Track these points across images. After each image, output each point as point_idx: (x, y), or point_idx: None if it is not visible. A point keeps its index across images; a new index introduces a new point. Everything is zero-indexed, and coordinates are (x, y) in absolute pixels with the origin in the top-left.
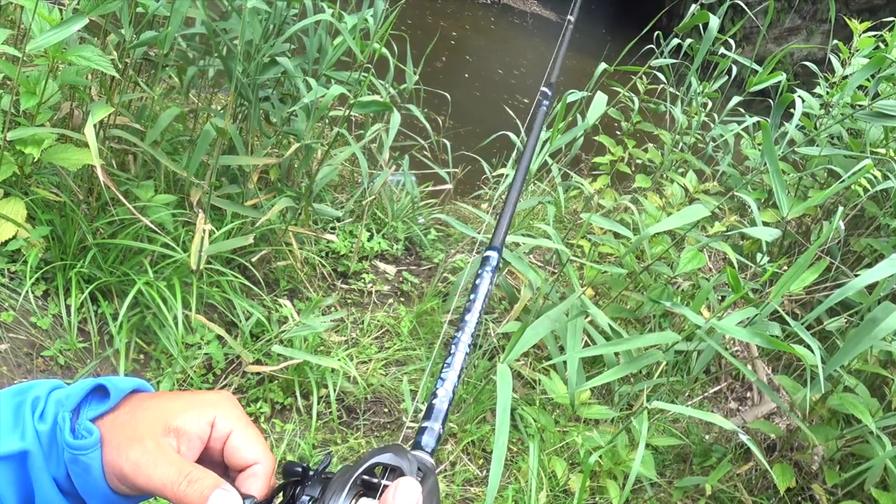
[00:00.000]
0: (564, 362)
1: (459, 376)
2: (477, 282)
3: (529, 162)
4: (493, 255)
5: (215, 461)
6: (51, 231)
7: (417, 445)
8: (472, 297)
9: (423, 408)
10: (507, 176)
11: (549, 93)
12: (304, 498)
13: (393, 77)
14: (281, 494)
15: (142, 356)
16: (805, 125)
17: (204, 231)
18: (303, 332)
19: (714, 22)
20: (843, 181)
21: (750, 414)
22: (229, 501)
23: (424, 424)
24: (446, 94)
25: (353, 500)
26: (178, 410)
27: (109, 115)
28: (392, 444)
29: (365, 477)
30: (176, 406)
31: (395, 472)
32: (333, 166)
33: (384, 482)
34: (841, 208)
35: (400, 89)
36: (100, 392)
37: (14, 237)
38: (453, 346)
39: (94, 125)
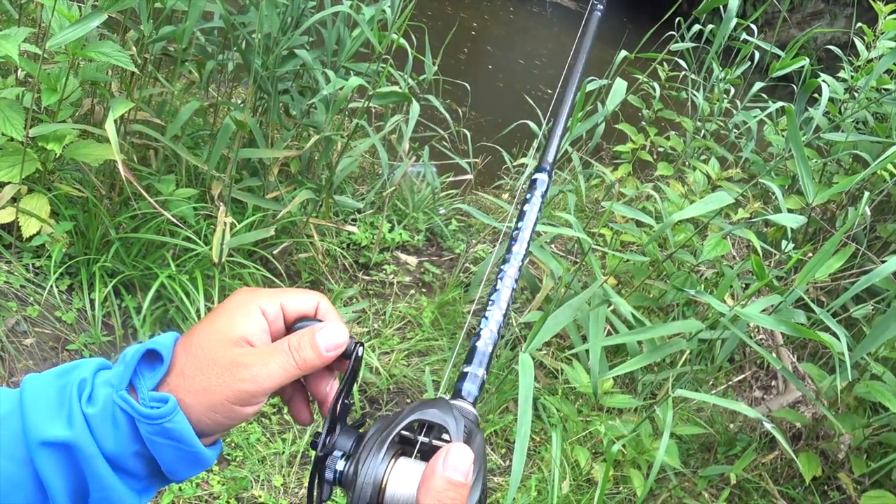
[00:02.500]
0: (587, 351)
1: (505, 315)
2: (524, 208)
3: (582, 74)
4: (542, 177)
5: None
6: (74, 226)
7: (458, 394)
8: (518, 224)
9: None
10: (527, 165)
11: None
12: (336, 453)
13: (412, 68)
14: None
15: None
16: (830, 110)
17: (225, 224)
18: None
19: (733, 3)
20: (872, 168)
21: (775, 402)
22: (335, 330)
23: (466, 369)
24: (466, 85)
25: (392, 460)
26: (228, 325)
27: (130, 110)
28: (436, 399)
29: (404, 433)
30: (222, 324)
31: (438, 429)
32: (353, 158)
33: (422, 438)
34: (867, 194)
35: (419, 80)
36: (146, 358)
37: (38, 233)
38: (498, 281)
39: (115, 121)
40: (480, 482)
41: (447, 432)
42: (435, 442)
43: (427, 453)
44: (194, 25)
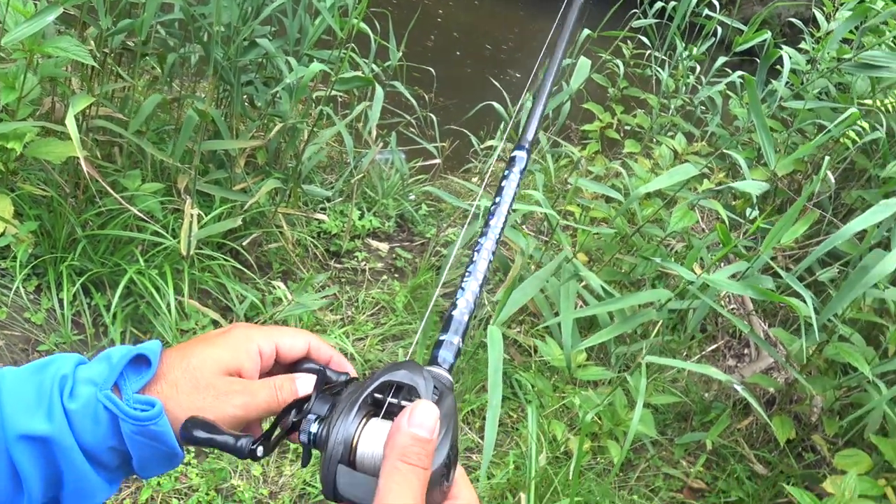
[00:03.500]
0: (560, 326)
1: (482, 286)
2: (502, 184)
3: (564, 52)
4: (521, 154)
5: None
6: (39, 226)
7: (434, 360)
8: (497, 199)
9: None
10: (495, 147)
11: None
12: (311, 416)
13: (376, 55)
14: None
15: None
16: (792, 81)
17: (192, 216)
18: (296, 311)
19: None
20: (829, 131)
21: (748, 370)
22: (307, 377)
23: (442, 337)
24: (431, 70)
25: (364, 420)
26: (229, 358)
27: (91, 105)
28: (406, 361)
29: (377, 395)
30: (223, 355)
31: (409, 390)
32: (318, 145)
33: (391, 400)
34: (827, 158)
35: (384, 66)
36: (131, 362)
37: (2, 234)
38: (475, 253)
39: (77, 117)
40: (448, 440)
41: (418, 394)
42: (404, 402)
43: (397, 414)
44: (153, 18)
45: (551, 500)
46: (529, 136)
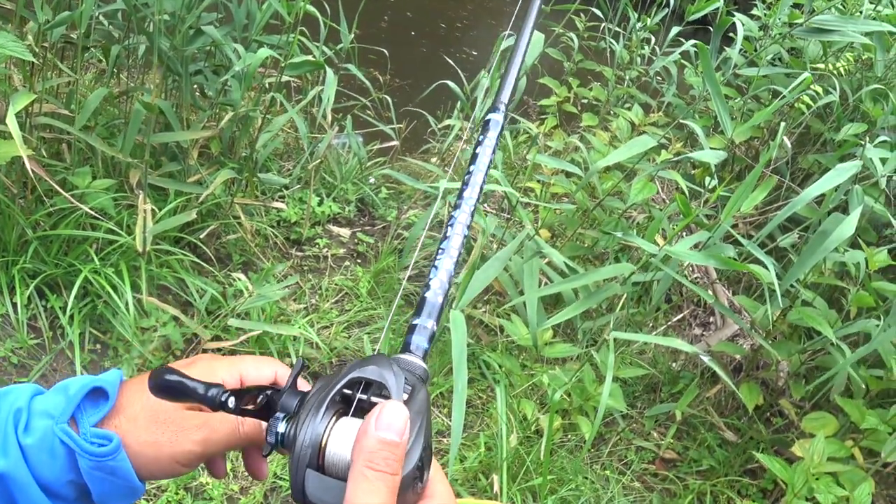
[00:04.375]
0: (525, 305)
1: (456, 263)
2: (476, 150)
3: (539, 12)
4: (497, 118)
5: None
6: None
7: (406, 347)
8: (470, 168)
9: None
10: (453, 127)
11: None
12: (279, 415)
13: (326, 38)
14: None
15: (98, 346)
16: (746, 49)
17: (145, 211)
18: (258, 303)
19: None
20: (784, 97)
21: (714, 338)
22: None
23: (415, 321)
24: (384, 51)
25: (332, 420)
26: None
27: (34, 103)
28: (375, 355)
29: (346, 391)
30: None
31: (379, 386)
32: (272, 132)
33: (360, 396)
34: (783, 124)
35: (336, 49)
36: (89, 394)
37: None
38: (449, 228)
39: (19, 115)
40: (421, 440)
41: (387, 390)
42: (374, 399)
43: (368, 411)
44: (91, 9)
45: (524, 479)
46: (504, 97)
